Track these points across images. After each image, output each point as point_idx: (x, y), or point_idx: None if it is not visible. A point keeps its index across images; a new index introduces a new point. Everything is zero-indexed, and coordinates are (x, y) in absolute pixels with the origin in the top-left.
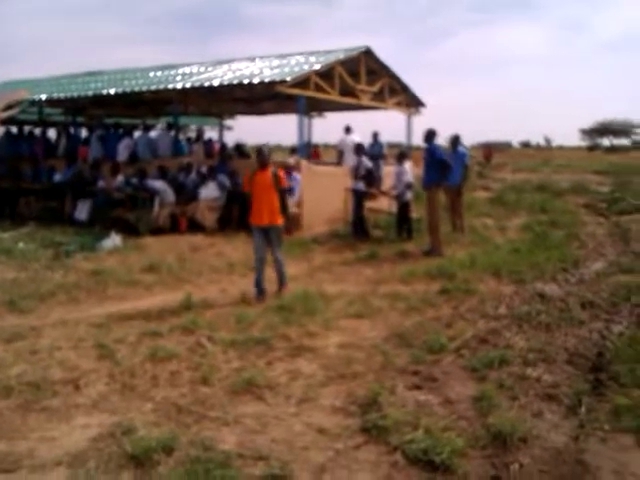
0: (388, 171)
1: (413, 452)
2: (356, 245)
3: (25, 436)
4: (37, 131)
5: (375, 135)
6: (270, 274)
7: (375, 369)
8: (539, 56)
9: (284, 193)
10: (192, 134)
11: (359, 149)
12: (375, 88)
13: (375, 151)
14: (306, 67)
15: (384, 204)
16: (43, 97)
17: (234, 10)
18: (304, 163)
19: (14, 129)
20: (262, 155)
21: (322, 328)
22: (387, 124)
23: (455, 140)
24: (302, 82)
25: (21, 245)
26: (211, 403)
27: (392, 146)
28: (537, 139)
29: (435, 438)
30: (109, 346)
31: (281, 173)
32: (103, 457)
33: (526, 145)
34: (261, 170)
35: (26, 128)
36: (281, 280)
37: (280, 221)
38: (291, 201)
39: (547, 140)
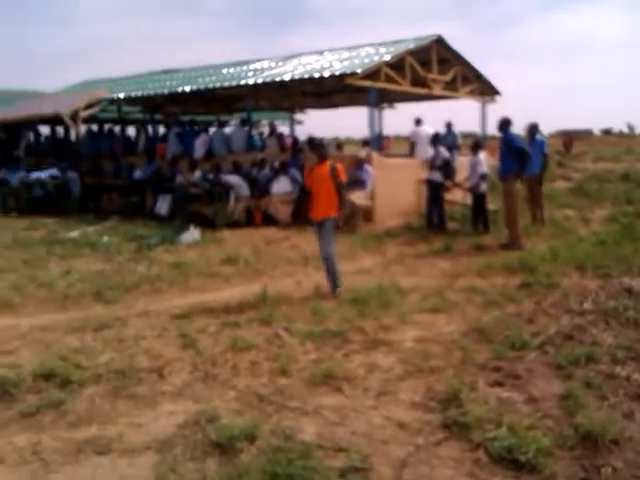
0: (462, 162)
1: (496, 450)
2: (430, 238)
3: (114, 421)
4: (117, 129)
5: (448, 125)
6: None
7: (454, 364)
8: (618, 40)
9: (341, 187)
10: (264, 129)
11: (436, 139)
12: (447, 77)
13: (449, 141)
14: (376, 58)
15: (458, 196)
16: (122, 96)
17: (300, 3)
18: (376, 156)
19: (95, 127)
20: (320, 148)
21: (397, 322)
22: (459, 113)
23: (533, 128)
24: (372, 73)
25: (105, 239)
26: (290, 393)
27: (465, 136)
28: (619, 126)
29: (519, 436)
30: (191, 336)
31: (339, 166)
32: (189, 444)
33: (608, 132)
34: (319, 164)
35: (106, 126)
36: (332, 281)
37: (333, 213)
38: (363, 194)
39: (630, 127)
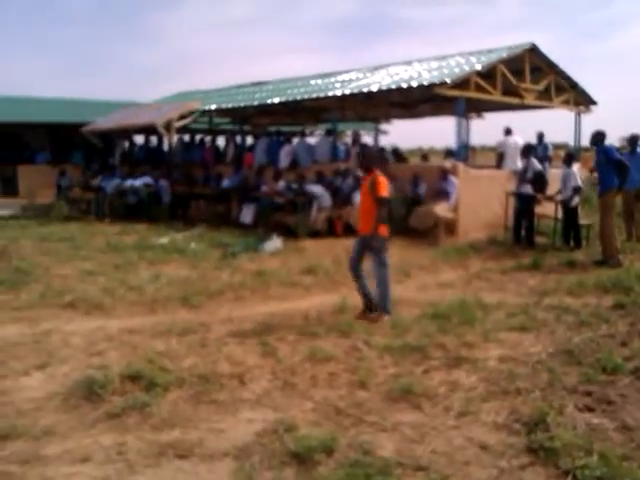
0: (554, 174)
1: (587, 479)
2: (517, 253)
3: (196, 426)
4: (207, 139)
5: (540, 136)
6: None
7: (541, 386)
8: None
9: (380, 202)
10: (348, 139)
11: (528, 151)
12: (540, 86)
13: (540, 153)
14: (466, 68)
15: (548, 209)
16: (213, 107)
17: (388, 15)
18: (461, 166)
19: (187, 137)
20: (365, 159)
21: (481, 339)
22: (551, 123)
23: (634, 140)
24: (462, 83)
25: (193, 245)
26: (368, 407)
27: (557, 147)
28: None
29: (612, 466)
30: (271, 344)
31: (379, 179)
32: (267, 452)
33: None
34: (365, 176)
35: (197, 136)
36: (380, 303)
37: (377, 231)
38: (446, 205)
39: None
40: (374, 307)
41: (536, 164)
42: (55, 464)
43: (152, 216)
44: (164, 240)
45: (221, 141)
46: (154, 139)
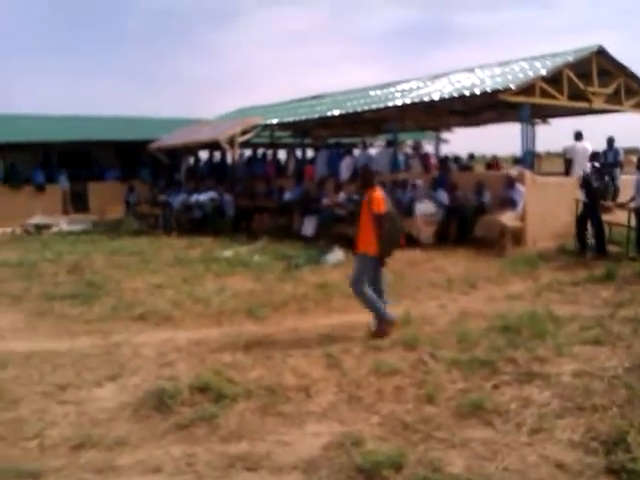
0: (626, 180)
1: None
2: (588, 263)
3: (263, 438)
4: (269, 153)
5: (610, 141)
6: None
7: (619, 403)
8: None
9: (378, 219)
10: (408, 149)
11: (593, 158)
12: (609, 90)
13: (610, 159)
14: (531, 73)
15: (621, 217)
16: (274, 121)
17: (446, 23)
18: (528, 174)
19: (249, 152)
20: (362, 175)
21: (553, 353)
22: (620, 128)
23: None
24: (526, 89)
25: (256, 258)
26: (437, 423)
27: (629, 152)
28: None
29: None
30: (336, 356)
31: (375, 195)
32: (334, 466)
33: None
34: (364, 192)
35: (259, 151)
36: (377, 318)
37: (372, 251)
38: (513, 214)
39: None
40: (385, 317)
41: (586, 169)
42: (128, 474)
43: (217, 229)
44: (229, 253)
45: (282, 154)
46: (218, 154)
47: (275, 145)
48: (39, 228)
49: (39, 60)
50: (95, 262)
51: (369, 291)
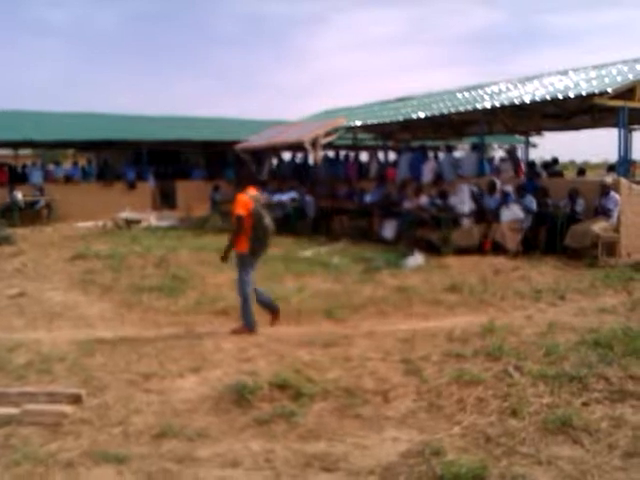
0: None
1: None
2: None
3: (341, 439)
4: (351, 155)
5: None
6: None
7: None
8: None
9: (237, 220)
10: (494, 153)
11: None
12: None
13: None
14: (630, 76)
15: None
16: (358, 123)
17: (535, 24)
18: (623, 182)
19: (331, 154)
20: (240, 177)
21: None
22: None
23: None
24: (625, 92)
25: (335, 259)
26: (521, 437)
27: None
28: None
29: None
30: (415, 362)
31: (240, 198)
32: (413, 474)
33: None
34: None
35: (342, 152)
36: (242, 317)
37: (242, 248)
38: (606, 224)
39: None
40: (248, 324)
41: None
42: (207, 466)
43: (297, 230)
44: (308, 253)
45: (364, 157)
46: (301, 155)
47: (357, 147)
48: (129, 223)
49: (136, 63)
50: (181, 257)
51: (249, 296)
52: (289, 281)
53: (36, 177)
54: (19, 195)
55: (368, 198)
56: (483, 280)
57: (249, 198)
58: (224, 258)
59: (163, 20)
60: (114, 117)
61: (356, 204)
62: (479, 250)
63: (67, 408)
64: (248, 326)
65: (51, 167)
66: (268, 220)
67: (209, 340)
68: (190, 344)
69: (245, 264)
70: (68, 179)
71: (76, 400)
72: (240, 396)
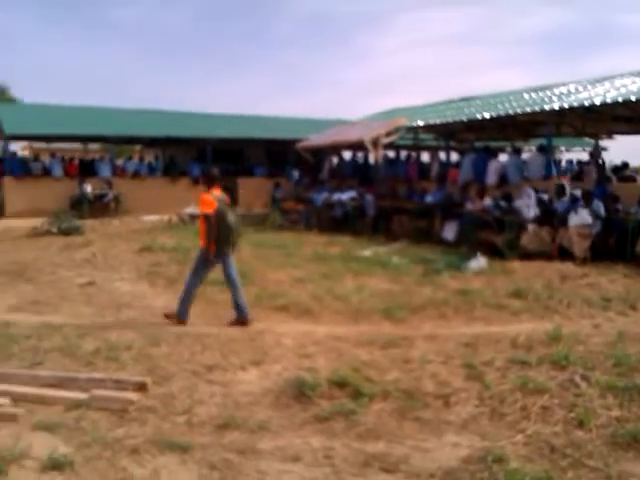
0: None
1: None
2: None
3: (401, 441)
4: (412, 155)
5: None
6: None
7: None
8: None
9: (206, 218)
10: (561, 156)
11: None
12: None
13: None
14: None
15: None
16: (420, 123)
17: (607, 24)
18: None
19: (392, 153)
20: (204, 176)
21: None
22: None
23: None
24: None
25: (395, 259)
26: (588, 450)
27: None
28: None
29: None
30: (477, 367)
31: (203, 196)
32: None
33: None
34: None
35: (402, 152)
36: (178, 306)
37: (202, 244)
38: None
39: None
40: (180, 314)
41: None
42: (268, 459)
43: (356, 229)
44: (368, 253)
45: (426, 157)
46: (361, 155)
47: (418, 147)
48: (192, 217)
49: (202, 61)
50: (241, 252)
51: (194, 285)
52: (348, 280)
53: (105, 171)
54: (88, 188)
55: (429, 198)
56: (549, 286)
57: (213, 198)
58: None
59: (227, 20)
60: (180, 114)
61: (416, 204)
62: (545, 255)
63: (133, 395)
64: (179, 317)
65: (120, 162)
66: (232, 218)
67: (269, 335)
68: (251, 338)
69: (199, 258)
70: (136, 174)
71: (141, 388)
72: (300, 392)
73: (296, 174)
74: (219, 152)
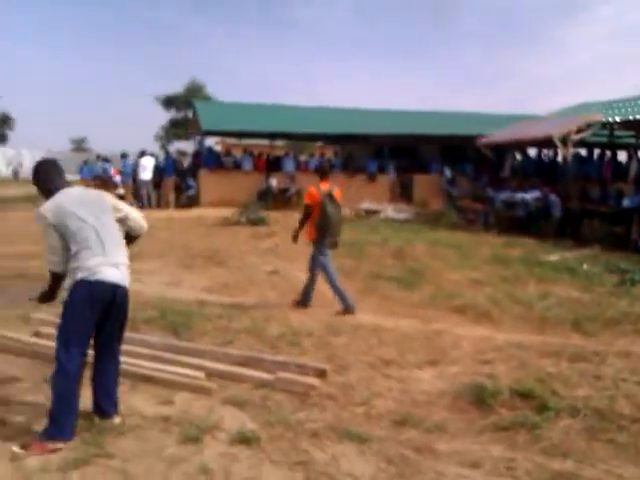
0: None
1: None
2: None
3: (592, 463)
4: (607, 153)
5: None
6: None
7: None
8: None
9: (305, 208)
10: None
11: None
12: None
13: None
14: None
15: None
16: (617, 119)
17: None
18: None
19: (583, 151)
20: (319, 168)
21: None
22: None
23: None
24: None
25: (585, 266)
26: None
27: None
28: None
29: None
30: None
31: (309, 188)
32: None
33: None
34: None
35: (595, 150)
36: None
37: (308, 235)
38: None
39: None
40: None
41: None
42: (445, 461)
43: (539, 231)
44: (554, 257)
45: (622, 156)
46: (547, 152)
47: (614, 145)
48: (368, 213)
49: (377, 59)
50: (416, 250)
51: (333, 279)
52: (530, 285)
53: (289, 166)
54: (274, 182)
55: (626, 202)
56: None
57: (316, 191)
58: (294, 238)
59: (401, 16)
60: (358, 112)
61: (611, 208)
62: None
63: (314, 381)
64: (347, 308)
65: (303, 158)
66: (332, 211)
67: (447, 336)
68: (427, 337)
69: (317, 248)
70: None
71: (321, 375)
72: (479, 398)
73: (470, 171)
74: (395, 148)
